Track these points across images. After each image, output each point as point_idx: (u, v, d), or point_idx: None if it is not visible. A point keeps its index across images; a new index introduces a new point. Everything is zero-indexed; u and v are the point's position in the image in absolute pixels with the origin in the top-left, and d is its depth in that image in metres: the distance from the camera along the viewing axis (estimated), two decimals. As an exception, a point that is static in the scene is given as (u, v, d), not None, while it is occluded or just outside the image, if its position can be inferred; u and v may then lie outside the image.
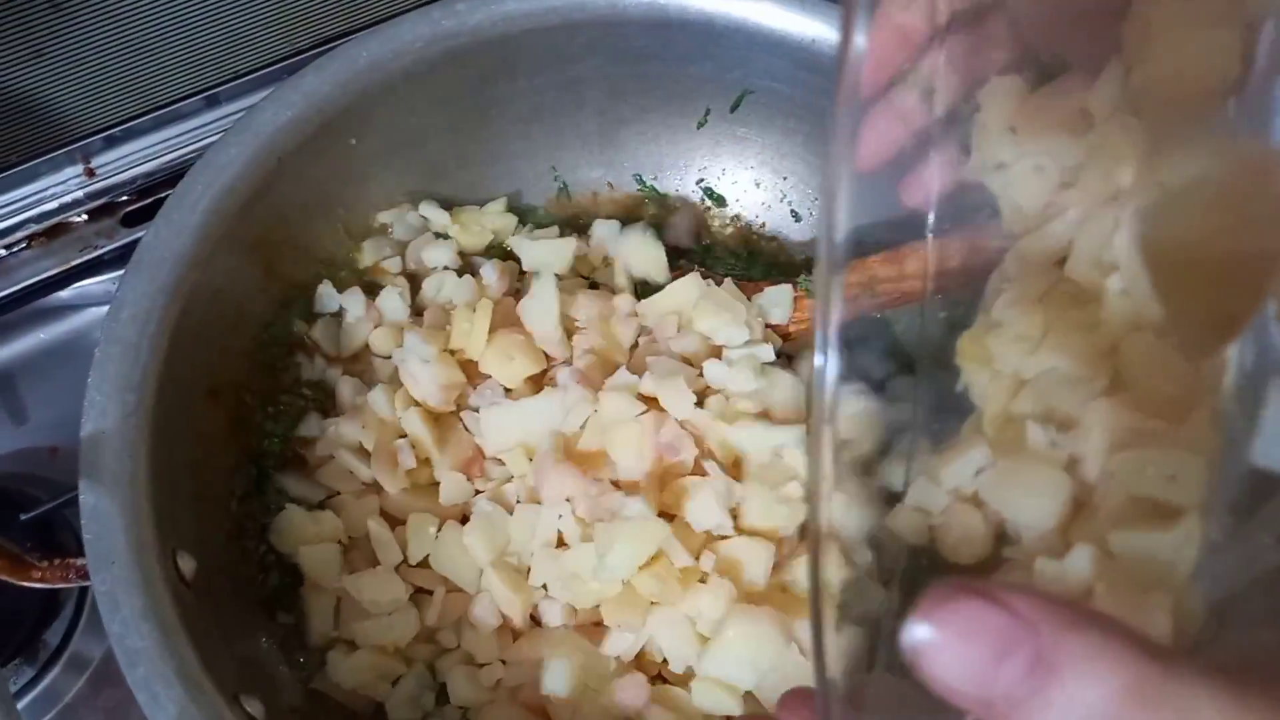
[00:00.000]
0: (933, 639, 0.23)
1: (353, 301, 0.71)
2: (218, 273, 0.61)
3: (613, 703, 0.59)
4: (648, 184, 0.80)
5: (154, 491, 0.54)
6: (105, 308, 0.57)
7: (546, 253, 0.72)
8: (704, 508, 0.60)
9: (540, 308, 0.68)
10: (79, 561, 0.51)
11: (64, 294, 0.80)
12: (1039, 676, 0.21)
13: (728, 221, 0.81)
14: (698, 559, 0.60)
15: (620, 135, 0.78)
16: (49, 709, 0.69)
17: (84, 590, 0.71)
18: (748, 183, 0.79)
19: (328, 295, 0.71)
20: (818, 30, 0.68)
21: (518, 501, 0.64)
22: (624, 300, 0.70)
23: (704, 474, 0.63)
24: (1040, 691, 0.21)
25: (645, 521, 0.60)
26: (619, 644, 0.60)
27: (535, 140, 0.76)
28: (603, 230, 0.75)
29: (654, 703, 0.60)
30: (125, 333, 0.56)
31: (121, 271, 0.62)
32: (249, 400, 0.67)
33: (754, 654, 0.59)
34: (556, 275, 0.69)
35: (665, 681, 0.63)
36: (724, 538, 0.61)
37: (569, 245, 0.73)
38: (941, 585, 0.23)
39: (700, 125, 0.77)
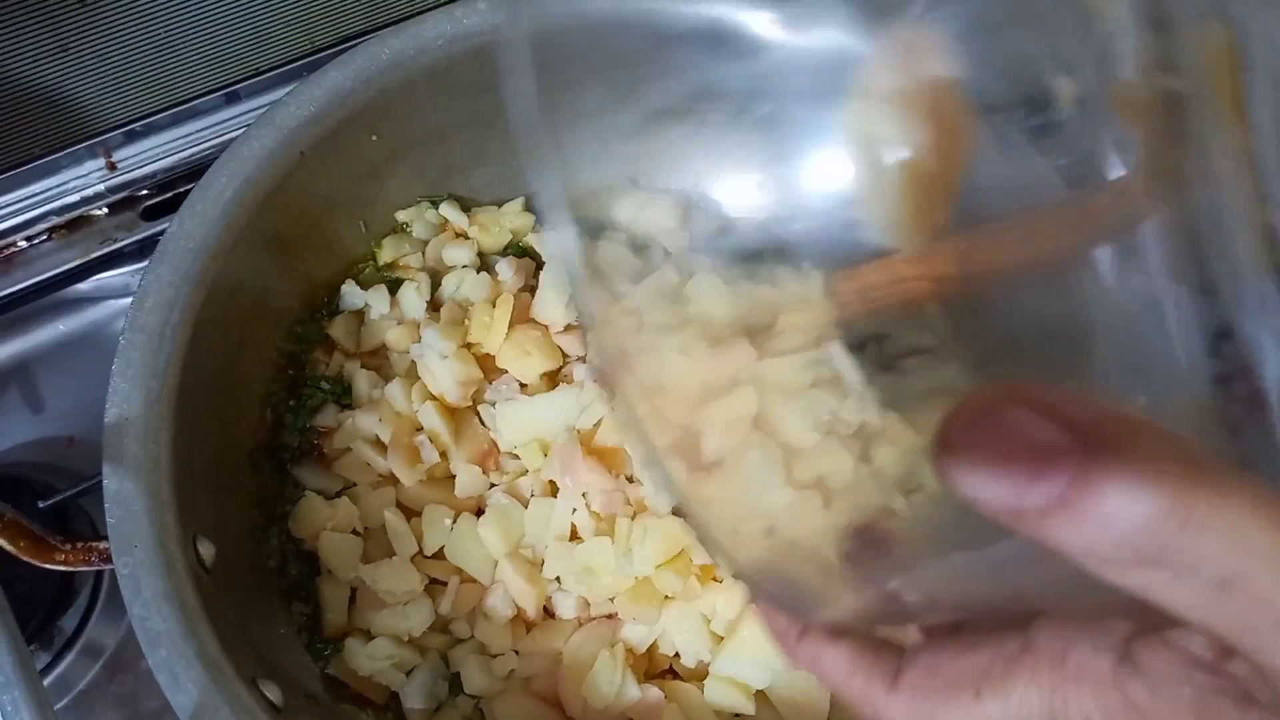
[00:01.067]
0: (963, 455, 0.20)
1: (377, 298, 0.72)
2: (239, 264, 0.62)
3: (625, 696, 0.59)
4: (642, 187, 0.80)
5: (176, 477, 0.55)
6: (124, 300, 0.57)
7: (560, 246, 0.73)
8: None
9: (550, 298, 0.68)
10: (102, 545, 0.52)
11: (83, 286, 0.81)
12: (1077, 491, 0.19)
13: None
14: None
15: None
16: (63, 695, 0.69)
17: (99, 577, 0.71)
18: (745, 184, 0.80)
19: (351, 294, 0.72)
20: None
21: (532, 495, 0.65)
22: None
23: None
24: (1075, 505, 0.19)
25: (672, 520, 0.61)
26: (633, 636, 0.61)
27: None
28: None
29: (666, 699, 0.60)
30: (149, 321, 0.57)
31: (141, 264, 0.63)
32: (269, 393, 0.68)
33: (768, 654, 0.59)
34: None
35: (676, 677, 0.63)
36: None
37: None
38: (982, 391, 0.21)
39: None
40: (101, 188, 0.82)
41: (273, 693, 0.53)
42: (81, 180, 0.81)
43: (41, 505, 0.68)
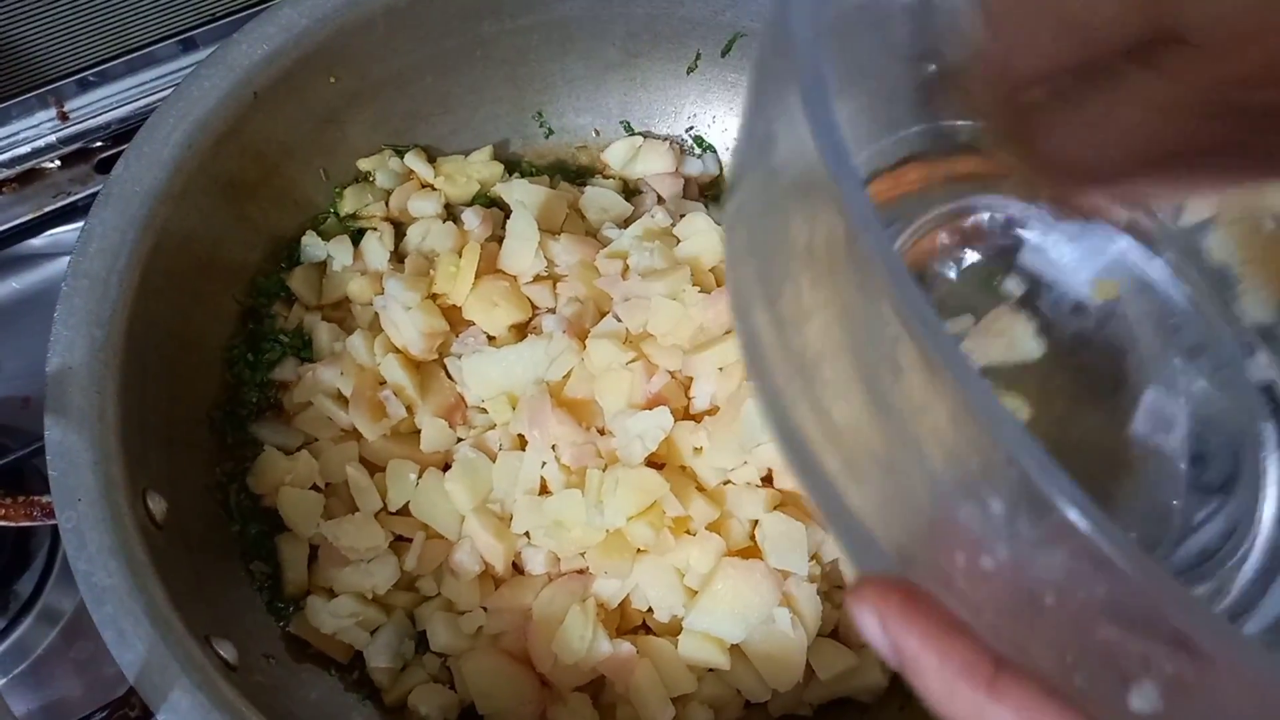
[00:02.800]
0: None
1: (339, 249, 0.69)
2: (191, 211, 0.60)
3: (596, 651, 0.58)
4: (636, 131, 0.78)
5: (124, 430, 0.52)
6: (79, 255, 0.55)
7: (527, 193, 0.70)
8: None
9: (518, 248, 0.66)
10: (44, 499, 0.50)
11: (36, 241, 0.79)
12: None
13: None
14: (688, 509, 0.59)
15: (608, 80, 0.76)
16: (19, 661, 0.67)
17: (55, 541, 0.69)
18: (738, 129, 0.77)
19: (312, 245, 0.70)
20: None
21: (500, 449, 0.63)
22: (611, 232, 0.69)
23: (696, 420, 0.62)
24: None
25: (645, 471, 0.59)
26: (604, 590, 0.59)
27: (520, 84, 0.74)
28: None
29: (639, 654, 0.58)
30: (93, 267, 0.54)
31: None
32: (228, 348, 0.66)
33: (744, 608, 0.58)
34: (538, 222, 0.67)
35: (649, 632, 0.62)
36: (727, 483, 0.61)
37: (548, 190, 0.72)
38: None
39: (690, 70, 0.75)
40: (53, 138, 0.79)
41: (227, 651, 0.51)
42: (32, 131, 0.78)
43: (-7, 465, 0.66)
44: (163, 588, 0.49)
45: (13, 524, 0.50)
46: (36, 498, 0.50)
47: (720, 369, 0.61)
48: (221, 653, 0.50)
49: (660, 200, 0.76)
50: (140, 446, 0.54)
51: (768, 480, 0.61)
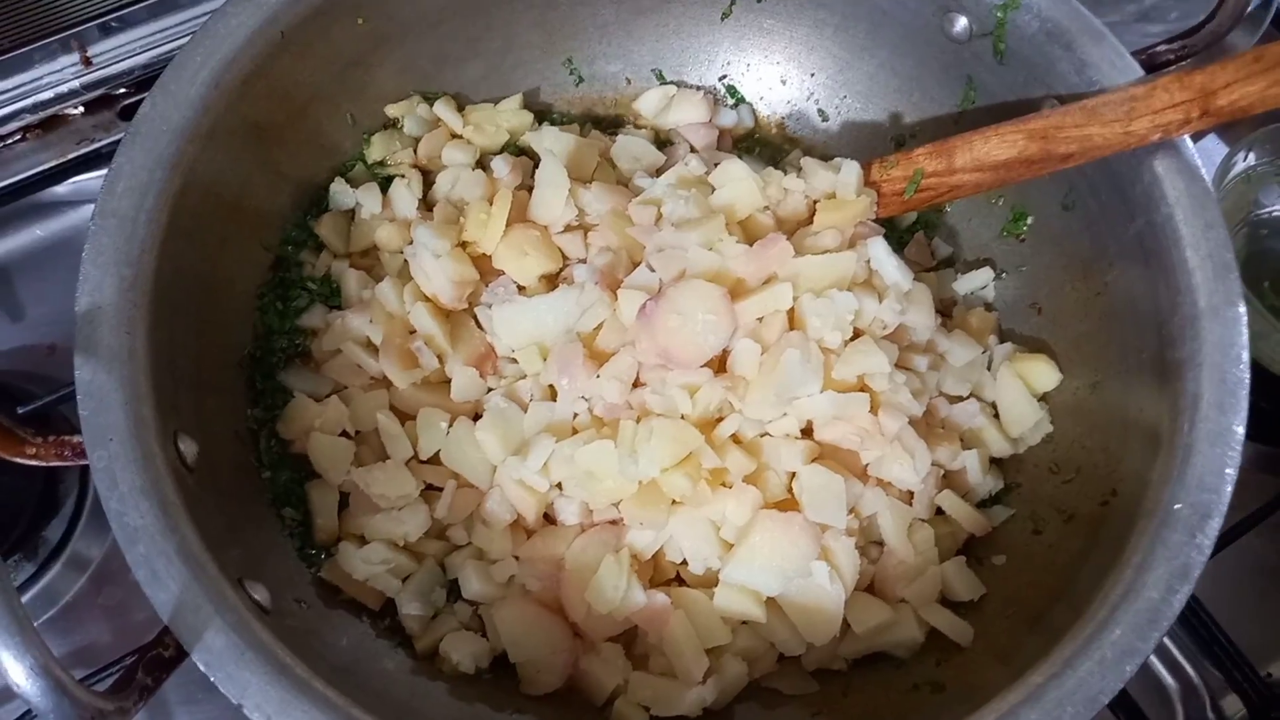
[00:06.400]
0: None
1: (368, 197, 0.68)
2: (219, 153, 0.58)
3: (630, 601, 0.57)
4: (668, 80, 0.76)
5: (154, 370, 0.52)
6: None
7: (557, 141, 0.69)
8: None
9: (549, 196, 0.65)
10: (75, 439, 0.49)
11: (60, 189, 0.78)
12: None
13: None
14: (725, 461, 0.58)
15: (639, 26, 0.74)
16: (49, 607, 0.67)
17: (84, 487, 0.69)
18: (773, 79, 0.76)
19: (340, 192, 0.68)
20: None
21: (531, 399, 0.62)
22: (644, 181, 0.67)
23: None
24: None
25: (679, 422, 0.58)
26: (639, 541, 0.58)
27: (550, 29, 0.72)
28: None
29: (673, 605, 0.58)
30: (121, 206, 0.53)
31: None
32: (258, 295, 0.65)
33: (781, 561, 0.57)
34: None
35: (683, 584, 0.61)
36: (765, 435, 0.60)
37: (579, 137, 0.70)
38: None
39: (725, 16, 0.73)
40: (76, 84, 0.78)
41: (260, 594, 0.50)
42: (55, 76, 0.77)
43: (21, 411, 0.65)
44: (195, 530, 0.48)
45: (44, 463, 0.49)
46: (67, 438, 0.49)
47: (759, 320, 0.60)
48: (255, 595, 0.50)
49: (693, 151, 0.75)
50: (171, 389, 0.53)
51: (807, 433, 0.60)
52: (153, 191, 0.54)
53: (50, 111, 0.78)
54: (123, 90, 0.79)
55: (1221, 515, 0.49)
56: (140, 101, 0.76)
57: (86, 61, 0.77)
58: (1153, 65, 0.61)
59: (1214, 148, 0.88)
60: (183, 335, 0.56)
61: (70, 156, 0.77)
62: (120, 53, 0.78)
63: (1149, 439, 0.54)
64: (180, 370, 0.55)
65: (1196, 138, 0.58)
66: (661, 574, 0.61)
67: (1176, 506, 0.50)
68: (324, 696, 0.46)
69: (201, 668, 0.45)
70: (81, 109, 0.79)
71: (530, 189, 0.68)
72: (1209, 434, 0.51)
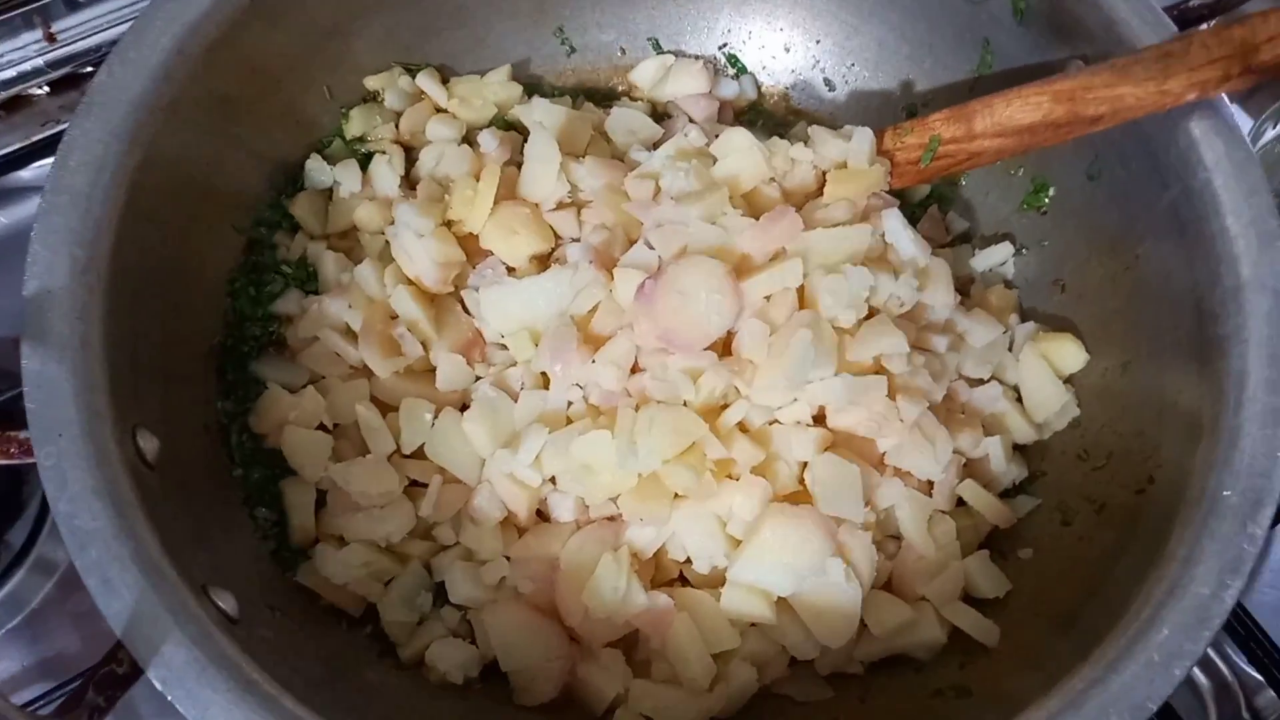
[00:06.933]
0: None
1: (347, 175, 0.64)
2: (183, 127, 0.54)
3: (630, 604, 0.53)
4: (665, 50, 0.72)
5: (112, 361, 0.48)
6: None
7: (547, 113, 0.65)
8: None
9: (540, 171, 0.61)
10: (21, 434, 0.45)
11: (24, 174, 0.74)
12: None
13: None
14: (731, 451, 0.54)
15: (635, -9, 0.70)
16: (14, 614, 0.64)
17: (49, 488, 0.65)
18: (776, 47, 0.72)
19: (317, 169, 0.64)
20: None
21: (522, 388, 0.58)
22: (640, 155, 0.63)
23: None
24: None
25: (682, 409, 0.54)
26: (639, 539, 0.54)
27: (540, -6, 0.69)
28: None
29: (676, 607, 0.54)
30: (75, 181, 0.49)
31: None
32: (230, 280, 0.61)
33: (793, 558, 0.53)
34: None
35: (687, 584, 0.57)
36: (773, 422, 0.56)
37: (570, 111, 0.66)
38: None
39: (725, -20, 0.69)
40: (40, 62, 0.74)
41: (227, 602, 0.47)
42: (18, 54, 0.73)
43: (-21, 407, 0.61)
44: (154, 533, 0.44)
45: (-13, 462, 0.46)
46: (14, 433, 0.45)
47: (767, 299, 0.56)
48: (220, 604, 0.46)
49: (692, 123, 0.71)
50: (131, 380, 0.49)
51: (819, 420, 0.56)
52: (109, 167, 0.50)
53: (13, 91, 0.74)
54: (90, 69, 0.75)
55: (1274, 502, 0.46)
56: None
57: (50, 38, 0.74)
58: (1185, 22, 0.57)
59: (1240, 120, 0.85)
60: (146, 323, 0.52)
61: (34, 139, 0.73)
62: (86, 28, 0.74)
63: (1189, 422, 0.51)
64: (143, 360, 0.51)
65: (1234, 99, 0.54)
66: (664, 574, 0.57)
67: (1225, 494, 0.46)
68: (294, 716, 0.42)
69: (158, 685, 0.41)
70: (46, 89, 0.75)
71: (519, 165, 0.64)
72: (1258, 415, 0.47)
